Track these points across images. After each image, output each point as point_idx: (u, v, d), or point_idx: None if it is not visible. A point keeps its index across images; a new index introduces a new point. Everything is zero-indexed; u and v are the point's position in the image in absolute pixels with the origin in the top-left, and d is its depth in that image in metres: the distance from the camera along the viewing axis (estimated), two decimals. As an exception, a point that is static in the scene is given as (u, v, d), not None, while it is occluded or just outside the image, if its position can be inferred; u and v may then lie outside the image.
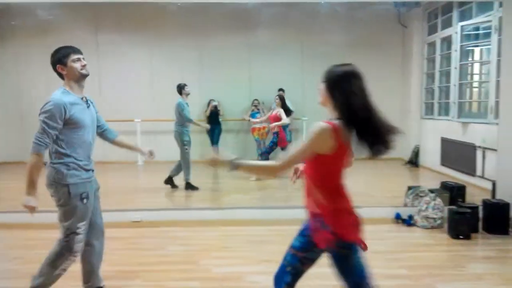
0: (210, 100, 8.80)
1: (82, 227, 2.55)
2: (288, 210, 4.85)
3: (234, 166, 1.86)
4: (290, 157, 1.83)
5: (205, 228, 4.45)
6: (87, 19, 9.04)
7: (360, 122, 1.75)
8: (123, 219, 4.62)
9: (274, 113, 6.94)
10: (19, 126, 8.86)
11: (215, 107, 8.77)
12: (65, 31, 8.93)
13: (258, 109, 8.80)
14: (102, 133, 2.83)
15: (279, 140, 6.87)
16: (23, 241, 4.10)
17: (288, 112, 7.10)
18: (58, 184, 2.48)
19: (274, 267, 3.31)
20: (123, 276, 3.23)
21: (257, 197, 5.77)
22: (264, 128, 8.78)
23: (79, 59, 2.51)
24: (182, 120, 6.12)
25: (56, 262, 2.56)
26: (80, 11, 8.81)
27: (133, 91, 9.05)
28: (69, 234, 2.53)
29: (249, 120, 8.70)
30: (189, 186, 6.10)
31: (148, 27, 9.07)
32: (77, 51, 2.54)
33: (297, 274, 2.04)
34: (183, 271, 3.33)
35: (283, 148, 6.85)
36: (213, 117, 8.79)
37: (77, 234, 2.54)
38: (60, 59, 2.49)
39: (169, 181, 6.26)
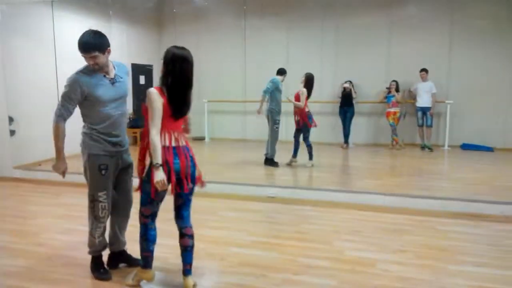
0: (346, 81, 8.64)
1: (102, 196, 2.74)
2: (426, 200, 4.56)
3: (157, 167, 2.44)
4: (151, 122, 2.45)
5: (336, 210, 4.47)
6: (235, 6, 9.65)
7: (171, 92, 2.48)
8: (260, 193, 4.95)
9: (297, 91, 6.40)
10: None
11: (344, 89, 8.56)
12: (216, 18, 9.75)
13: (392, 92, 8.30)
14: None
15: (299, 121, 6.35)
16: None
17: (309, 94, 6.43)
18: (84, 152, 2.75)
19: (410, 258, 3.21)
20: (260, 247, 3.48)
21: (390, 184, 5.52)
22: (397, 112, 8.31)
23: (85, 57, 2.62)
24: (275, 100, 6.35)
25: (92, 231, 2.83)
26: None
27: (272, 73, 9.44)
28: (93, 201, 2.77)
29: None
30: (269, 162, 6.39)
31: (288, 9, 9.27)
32: (81, 49, 2.59)
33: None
34: (316, 249, 3.42)
35: (307, 130, 6.36)
36: (346, 99, 8.61)
37: (99, 202, 2.75)
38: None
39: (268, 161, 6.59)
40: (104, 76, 2.71)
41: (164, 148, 2.49)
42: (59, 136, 2.68)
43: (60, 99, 2.68)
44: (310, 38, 9.30)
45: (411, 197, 4.65)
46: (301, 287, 2.77)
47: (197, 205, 2.97)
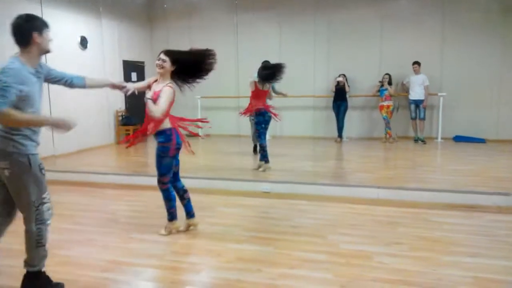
0: (340, 75, 8.65)
1: (47, 196, 2.58)
2: (420, 192, 4.60)
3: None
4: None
5: (332, 204, 4.50)
6: (226, 1, 9.60)
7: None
8: (255, 188, 4.97)
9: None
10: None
11: (338, 83, 8.55)
12: (208, 13, 9.70)
13: (385, 86, 8.32)
14: (71, 84, 2.80)
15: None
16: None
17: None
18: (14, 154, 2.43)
19: (405, 250, 3.24)
20: (256, 242, 3.49)
21: (384, 177, 5.55)
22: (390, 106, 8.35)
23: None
24: None
25: (43, 240, 2.61)
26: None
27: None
28: (40, 205, 2.54)
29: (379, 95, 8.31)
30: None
31: (280, 4, 9.27)
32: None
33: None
34: (311, 243, 3.44)
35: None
36: (340, 93, 8.62)
37: (44, 203, 2.56)
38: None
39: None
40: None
41: None
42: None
43: None
44: (303, 33, 9.29)
45: (405, 190, 4.69)
46: (297, 281, 2.79)
47: (194, 201, 2.97)
